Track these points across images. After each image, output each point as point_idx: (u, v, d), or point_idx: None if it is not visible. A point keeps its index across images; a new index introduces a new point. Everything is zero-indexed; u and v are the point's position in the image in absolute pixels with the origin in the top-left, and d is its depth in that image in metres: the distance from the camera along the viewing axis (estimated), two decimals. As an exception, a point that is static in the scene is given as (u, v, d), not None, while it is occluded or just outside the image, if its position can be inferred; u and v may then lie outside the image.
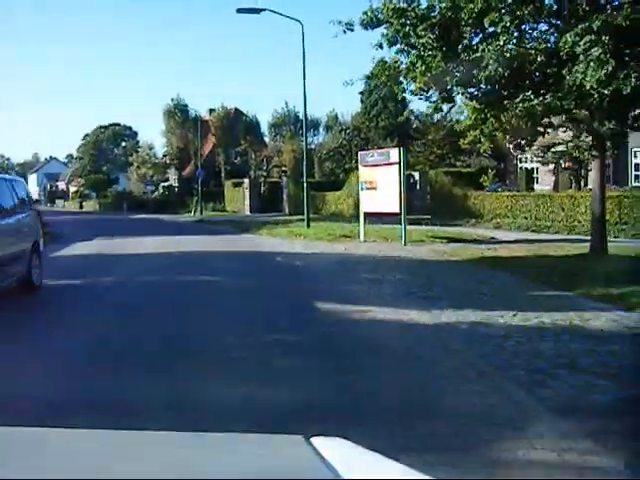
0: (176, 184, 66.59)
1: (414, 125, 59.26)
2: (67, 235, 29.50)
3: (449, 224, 28.79)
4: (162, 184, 70.44)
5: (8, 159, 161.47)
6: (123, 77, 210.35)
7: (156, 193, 67.76)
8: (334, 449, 1.66)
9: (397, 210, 20.91)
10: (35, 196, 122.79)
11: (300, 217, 41.98)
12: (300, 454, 1.65)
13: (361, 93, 77.73)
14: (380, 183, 21.72)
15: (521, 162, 49.45)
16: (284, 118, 66.75)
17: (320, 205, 44.74)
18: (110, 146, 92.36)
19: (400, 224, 20.89)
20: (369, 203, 22.65)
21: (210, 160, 65.06)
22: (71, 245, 23.12)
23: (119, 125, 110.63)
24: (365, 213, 23.25)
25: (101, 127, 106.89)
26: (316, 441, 1.70)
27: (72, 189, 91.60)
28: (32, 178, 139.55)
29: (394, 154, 21.22)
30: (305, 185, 28.10)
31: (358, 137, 51.05)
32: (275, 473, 1.51)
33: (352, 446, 1.78)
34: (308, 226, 27.41)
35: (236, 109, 67.44)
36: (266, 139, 66.85)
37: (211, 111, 66.70)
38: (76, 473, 1.46)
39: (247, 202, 53.30)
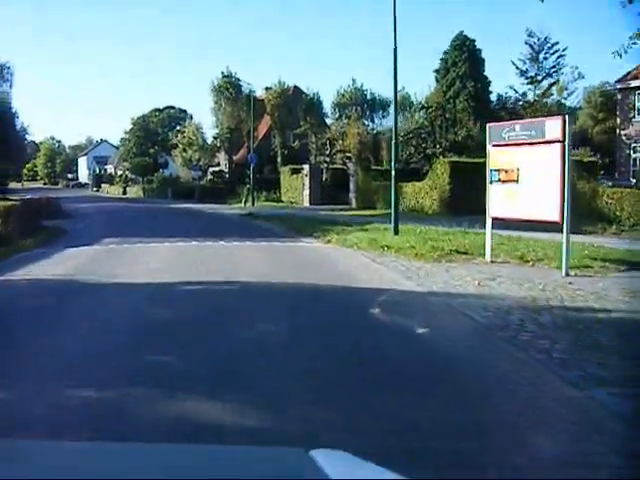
0: (226, 170, 59.38)
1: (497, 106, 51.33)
2: (74, 233, 22.53)
3: (574, 231, 20.57)
4: (211, 169, 63.32)
5: (59, 141, 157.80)
6: (179, 60, 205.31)
7: (204, 179, 60.78)
8: (334, 462, 1.67)
9: (556, 217, 12.84)
10: (84, 180, 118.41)
11: (371, 212, 34.56)
12: (300, 467, 1.64)
13: (436, 71, 69.72)
14: (527, 173, 13.65)
15: (635, 152, 40.97)
16: (350, 97, 58.72)
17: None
18: (165, 129, 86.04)
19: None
20: (504, 204, 14.55)
21: (265, 143, 57.56)
22: (51, 256, 15.79)
23: (173, 108, 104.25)
24: (495, 219, 15.23)
25: (156, 110, 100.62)
26: (316, 454, 1.69)
27: (119, 173, 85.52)
28: (82, 161, 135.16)
29: (553, 127, 13.04)
30: (393, 174, 20.05)
31: (442, 116, 42.70)
32: None
33: (352, 459, 1.79)
34: (396, 232, 19.49)
35: (295, 87, 59.78)
36: (328, 121, 58.96)
37: (267, 89, 59.17)
38: None
39: (307, 192, 45.63)
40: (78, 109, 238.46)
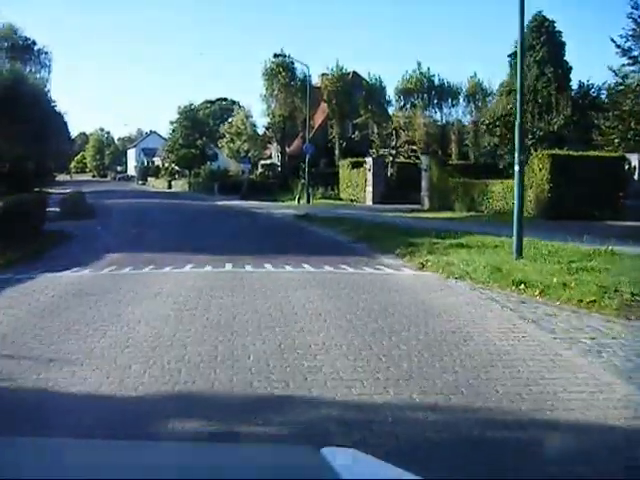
0: (278, 163, 53.86)
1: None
2: (77, 242, 17.39)
3: None
4: (261, 162, 57.88)
5: (108, 132, 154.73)
6: (233, 51, 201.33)
7: (254, 173, 55.41)
8: (345, 460, 1.68)
9: None
10: (133, 172, 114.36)
11: (450, 215, 28.45)
12: (311, 465, 1.64)
13: (510, 56, 63.08)
14: None
15: None
16: (416, 83, 52.57)
17: (479, 198, 30.66)
18: (216, 122, 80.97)
19: None
20: None
21: (320, 134, 51.86)
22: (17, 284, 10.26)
23: (225, 100, 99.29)
24: None
25: (208, 102, 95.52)
26: (327, 452, 1.68)
27: (165, 165, 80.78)
28: (131, 153, 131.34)
29: None
30: (516, 169, 13.81)
31: (534, 101, 36.29)
32: None
33: (363, 457, 1.80)
34: (519, 254, 13.45)
35: (354, 73, 53.84)
36: (391, 110, 52.97)
37: (323, 76, 53.43)
38: None
39: (369, 189, 39.77)
40: (129, 100, 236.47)
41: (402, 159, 43.31)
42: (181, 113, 76.52)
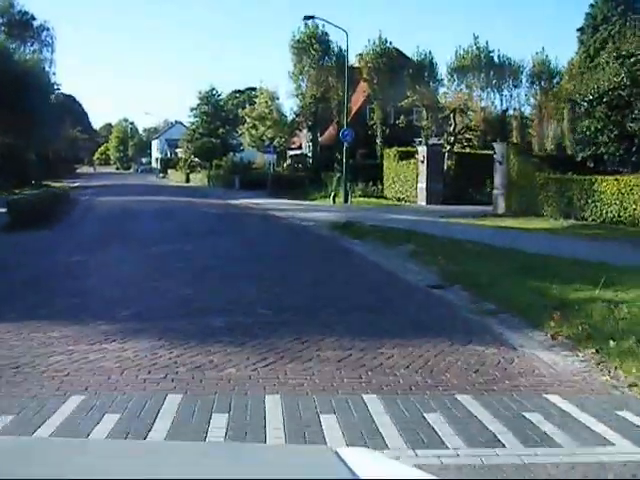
0: (309, 153, 46.10)
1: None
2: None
3: None
4: (289, 152, 50.10)
5: (132, 123, 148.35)
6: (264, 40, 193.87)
7: (281, 165, 47.73)
8: (361, 460, 1.66)
9: None
10: (157, 164, 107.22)
11: (544, 224, 20.24)
12: (327, 465, 1.63)
13: (580, 30, 54.64)
14: None
15: None
16: (472, 59, 44.43)
17: (580, 201, 22.62)
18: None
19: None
20: None
21: (359, 121, 43.85)
22: None
23: (255, 90, 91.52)
24: None
25: (236, 92, 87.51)
26: (343, 452, 1.68)
27: (183, 157, 73.31)
28: (155, 144, 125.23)
29: None
30: None
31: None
32: None
33: (379, 457, 1.85)
34: None
35: (397, 50, 45.68)
36: (442, 91, 44.89)
37: (361, 56, 45.45)
38: None
39: (422, 185, 31.85)
40: (158, 91, 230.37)
41: (460, 148, 35.42)
42: (202, 99, 69.16)
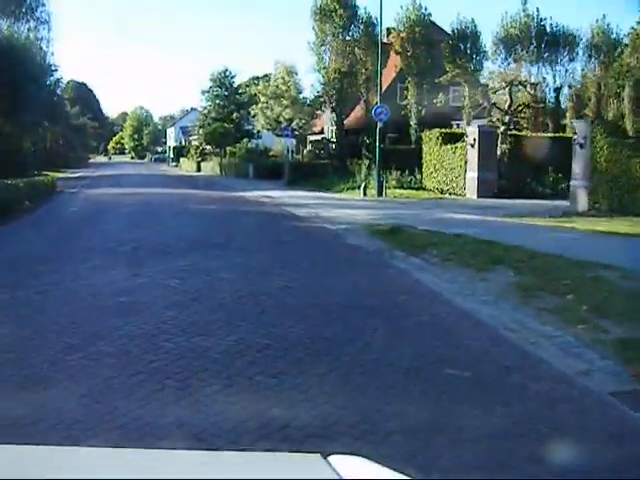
0: (333, 137, 40.35)
1: None
2: None
3: None
4: (310, 138, 44.35)
5: (147, 111, 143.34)
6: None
7: (301, 151, 41.99)
8: (353, 468, 1.66)
9: None
10: (170, 153, 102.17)
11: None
12: (317, 473, 1.61)
13: (641, -4, 48.01)
14: None
15: None
16: (521, 29, 38.36)
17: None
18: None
19: None
20: None
21: (389, 100, 37.99)
22: None
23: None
24: None
25: (254, 78, 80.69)
26: (334, 459, 1.66)
27: (194, 144, 67.70)
28: (170, 132, 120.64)
29: None
30: None
31: None
32: None
33: (371, 465, 1.75)
34: None
35: (431, 22, 39.71)
36: (487, 66, 38.89)
37: (388, 32, 39.62)
38: None
39: (473, 174, 26.13)
40: (172, 78, 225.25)
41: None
42: (214, 80, 63.53)
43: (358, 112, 40.28)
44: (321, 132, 45.25)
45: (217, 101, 62.52)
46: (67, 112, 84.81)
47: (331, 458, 1.65)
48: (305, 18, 41.91)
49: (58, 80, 49.36)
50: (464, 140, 27.08)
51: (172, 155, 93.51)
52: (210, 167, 55.71)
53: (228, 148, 54.57)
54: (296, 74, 37.75)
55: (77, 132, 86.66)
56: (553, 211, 19.30)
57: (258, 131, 64.93)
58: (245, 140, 53.35)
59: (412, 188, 29.48)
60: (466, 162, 26.68)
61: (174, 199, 24.07)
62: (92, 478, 1.51)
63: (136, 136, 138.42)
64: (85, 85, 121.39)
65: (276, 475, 1.61)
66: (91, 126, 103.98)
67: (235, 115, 61.43)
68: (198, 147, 62.91)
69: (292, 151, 38.35)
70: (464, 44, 37.62)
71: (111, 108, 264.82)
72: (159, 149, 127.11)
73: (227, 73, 63.81)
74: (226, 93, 63.12)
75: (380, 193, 26.02)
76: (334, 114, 36.16)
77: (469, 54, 37.65)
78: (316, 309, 7.02)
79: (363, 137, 37.44)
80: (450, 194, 27.60)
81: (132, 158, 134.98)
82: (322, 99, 36.65)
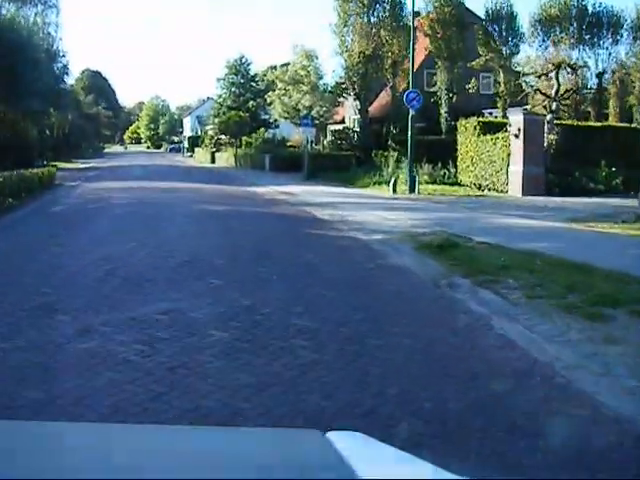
0: (356, 127, 37.35)
1: None
2: None
3: None
4: (330, 128, 41.34)
5: (163, 101, 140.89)
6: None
7: (320, 142, 39.00)
8: (351, 444, 1.63)
9: None
10: (186, 143, 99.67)
11: None
12: (316, 449, 1.61)
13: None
14: None
15: None
16: (561, 9, 35.11)
17: None
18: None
19: None
20: None
21: (416, 84, 35.00)
22: None
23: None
24: None
25: (272, 67, 77.07)
26: (332, 435, 1.64)
27: (209, 133, 64.76)
28: (187, 121, 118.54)
29: None
30: None
31: None
32: (290, 469, 1.48)
33: (370, 441, 1.75)
34: None
35: (461, 3, 36.48)
36: (523, 49, 35.67)
37: (416, 14, 36.44)
38: (82, 471, 1.41)
39: (518, 168, 23.10)
40: (190, 68, 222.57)
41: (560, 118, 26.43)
42: (230, 68, 60.67)
43: (383, 99, 37.31)
44: (342, 121, 42.28)
45: (232, 89, 59.75)
46: (79, 100, 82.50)
47: (330, 434, 1.63)
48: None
49: (65, 66, 46.32)
50: (506, 130, 24.03)
51: (187, 145, 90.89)
52: (225, 158, 52.88)
53: (244, 138, 51.70)
54: (316, 58, 34.75)
55: (90, 121, 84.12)
56: (620, 213, 16.28)
57: (275, 120, 62.08)
58: (261, 130, 50.42)
59: (445, 183, 26.50)
60: (509, 154, 23.66)
61: (178, 196, 21.22)
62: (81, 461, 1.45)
63: (152, 126, 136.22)
64: (100, 74, 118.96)
65: (274, 451, 1.60)
66: (105, 115, 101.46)
67: (251, 104, 58.61)
68: (213, 137, 60.09)
69: (312, 141, 35.37)
70: (499, 26, 34.48)
71: (128, 98, 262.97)
72: (175, 139, 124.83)
73: (243, 60, 60.96)
74: (242, 81, 60.34)
75: (412, 189, 23.07)
76: (357, 101, 33.11)
77: (504, 36, 34.49)
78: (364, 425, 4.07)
79: (388, 126, 34.44)
80: (489, 190, 24.62)
81: (148, 148, 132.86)
82: (344, 85, 33.55)
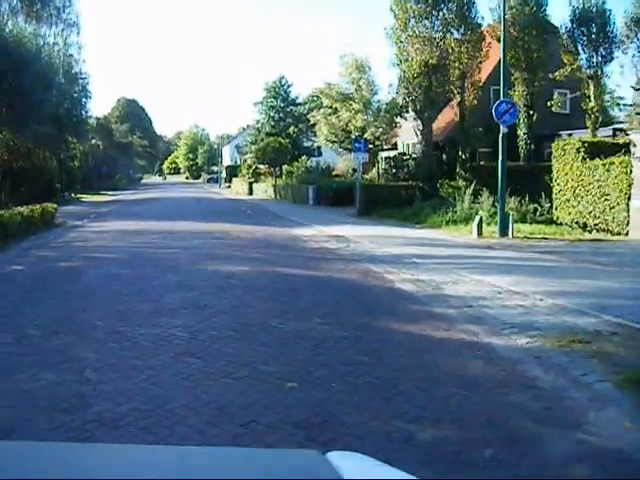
0: (415, 152, 31.78)
1: None
2: None
3: None
4: (382, 154, 35.74)
5: (203, 129, 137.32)
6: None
7: (372, 170, 33.46)
8: (351, 464, 1.65)
9: None
10: (224, 173, 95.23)
11: None
12: (316, 470, 1.61)
13: None
14: None
15: None
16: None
17: None
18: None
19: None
20: None
21: (484, 102, 29.27)
22: None
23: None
24: None
25: (314, 96, 71.28)
26: (332, 456, 1.65)
27: (247, 162, 59.61)
28: (226, 150, 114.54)
29: None
30: None
31: None
32: None
33: (370, 461, 1.76)
34: None
35: (540, 3, 30.67)
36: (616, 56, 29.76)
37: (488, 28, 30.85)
38: None
39: (647, 203, 17.22)
40: (230, 96, 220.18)
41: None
42: (269, 90, 55.84)
43: (442, 121, 31.67)
44: (394, 147, 36.74)
45: (271, 113, 54.84)
46: (111, 129, 78.62)
47: (330, 455, 1.63)
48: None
49: (84, 88, 41.66)
50: (626, 153, 18.24)
51: (225, 175, 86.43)
52: (263, 189, 47.70)
53: (284, 167, 46.57)
54: (369, 69, 29.28)
55: (123, 150, 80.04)
56: None
57: (318, 147, 56.93)
58: (303, 158, 45.20)
59: (538, 222, 20.72)
60: (630, 185, 17.84)
61: (195, 245, 15.80)
62: (92, 478, 1.47)
63: (191, 155, 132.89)
64: (136, 102, 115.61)
65: (274, 472, 1.59)
66: (141, 145, 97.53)
67: (292, 129, 53.64)
68: (250, 166, 55.06)
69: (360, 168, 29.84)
70: (587, 28, 28.72)
71: (167, 127, 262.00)
72: (215, 169, 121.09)
73: (283, 82, 56.08)
74: (282, 105, 55.41)
75: (504, 232, 17.37)
76: (418, 120, 27.45)
77: (594, 41, 28.72)
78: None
79: (455, 151, 28.86)
80: (598, 230, 18.83)
81: (187, 178, 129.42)
82: (404, 101, 27.90)
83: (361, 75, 28.95)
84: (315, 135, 44.18)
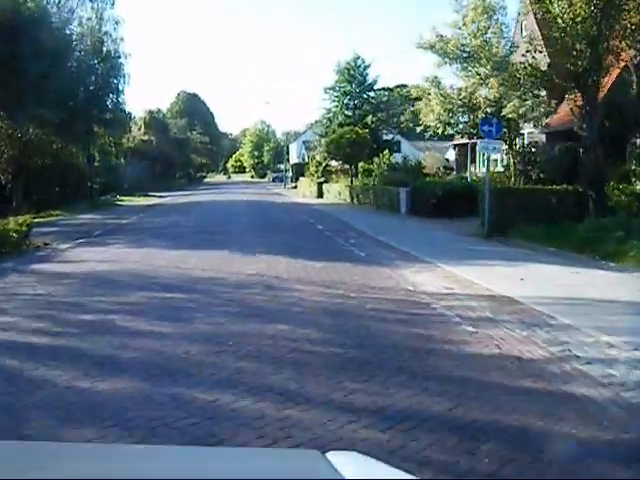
0: (534, 146, 22.31)
1: None
2: None
3: None
4: (494, 154, 26.34)
5: (268, 126, 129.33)
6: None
7: (508, 160, 24.21)
8: (351, 464, 1.63)
9: None
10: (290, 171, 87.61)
11: None
12: (316, 469, 1.60)
13: None
14: None
15: None
16: None
17: None
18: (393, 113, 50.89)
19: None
20: None
21: (613, 95, 19.34)
22: None
23: (405, 86, 67.96)
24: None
25: (383, 89, 60.14)
26: (332, 456, 1.64)
27: (316, 158, 50.78)
28: (293, 148, 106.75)
29: None
30: None
31: None
32: None
33: (369, 461, 1.74)
34: None
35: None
36: None
37: None
38: None
39: None
40: (299, 92, 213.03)
41: None
42: (341, 73, 47.00)
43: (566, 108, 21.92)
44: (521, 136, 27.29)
45: (345, 100, 45.99)
46: (167, 123, 71.37)
47: (329, 454, 1.62)
48: None
49: (116, 68, 33.50)
50: None
51: (291, 174, 78.21)
52: (336, 191, 38.80)
53: (360, 164, 37.69)
54: (504, 8, 19.68)
55: (180, 147, 72.53)
56: None
57: (398, 141, 47.98)
58: (386, 153, 36.19)
59: None
60: None
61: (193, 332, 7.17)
62: (92, 478, 1.47)
63: (256, 153, 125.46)
64: (197, 96, 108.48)
65: (274, 471, 1.58)
66: (200, 141, 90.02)
67: (370, 119, 44.62)
68: (320, 163, 46.30)
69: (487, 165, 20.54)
70: None
71: (234, 124, 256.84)
72: (281, 167, 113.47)
73: (358, 63, 47.05)
74: (357, 90, 46.45)
75: None
76: (576, 90, 17.72)
77: None
78: None
79: (589, 144, 19.36)
80: None
81: (252, 177, 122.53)
82: (555, 61, 18.20)
83: (488, 23, 19.59)
84: (408, 92, 35.03)
